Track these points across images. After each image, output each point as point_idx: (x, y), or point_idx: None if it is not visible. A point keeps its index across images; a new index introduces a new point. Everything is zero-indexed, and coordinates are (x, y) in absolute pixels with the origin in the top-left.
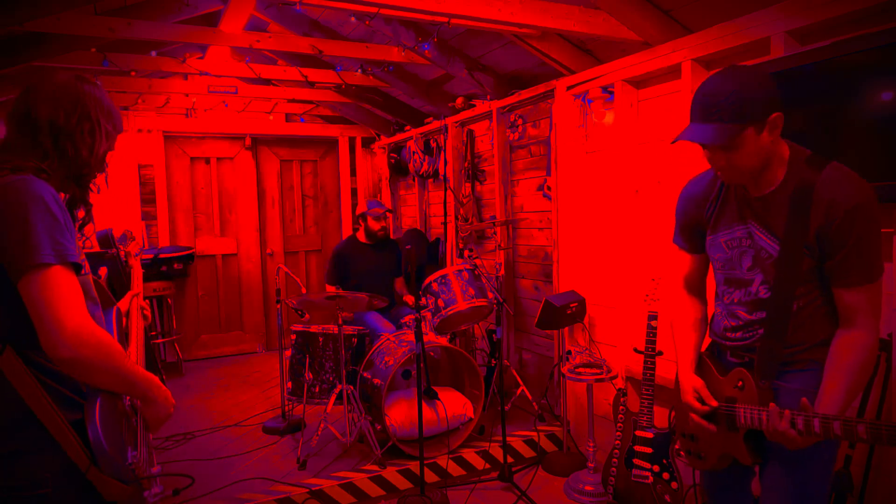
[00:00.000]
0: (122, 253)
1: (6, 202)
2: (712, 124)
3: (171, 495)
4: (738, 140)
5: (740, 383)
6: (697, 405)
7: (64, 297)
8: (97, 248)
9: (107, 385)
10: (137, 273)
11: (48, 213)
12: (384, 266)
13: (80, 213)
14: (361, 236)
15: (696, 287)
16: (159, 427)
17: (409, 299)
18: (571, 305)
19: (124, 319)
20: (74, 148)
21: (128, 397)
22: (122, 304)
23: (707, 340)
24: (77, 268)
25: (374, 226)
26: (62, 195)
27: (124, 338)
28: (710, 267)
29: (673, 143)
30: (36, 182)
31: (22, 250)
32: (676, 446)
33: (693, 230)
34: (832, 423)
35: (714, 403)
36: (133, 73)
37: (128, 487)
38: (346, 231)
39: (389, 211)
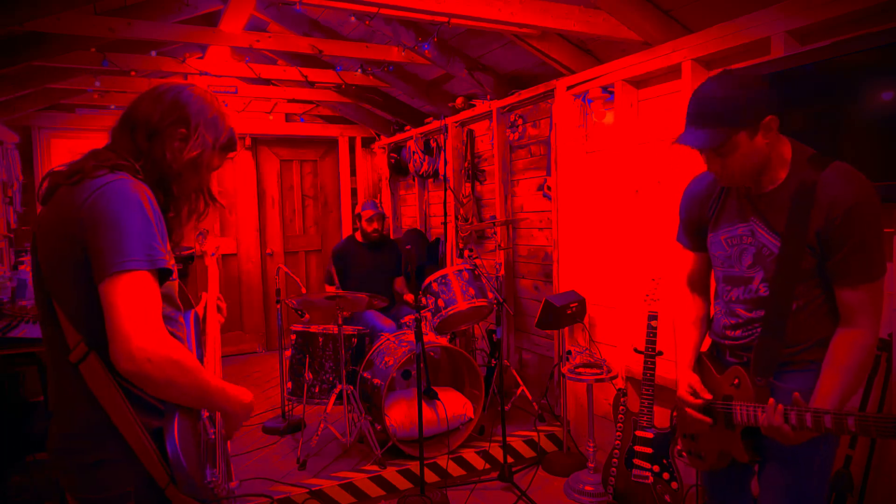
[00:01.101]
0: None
1: (103, 204)
2: (704, 129)
3: None
4: (729, 145)
5: (737, 381)
6: (690, 399)
7: (136, 308)
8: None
9: (175, 400)
10: (213, 274)
11: (143, 216)
12: (383, 266)
13: (170, 214)
14: (360, 236)
15: (699, 286)
16: (236, 430)
17: (410, 298)
18: (571, 305)
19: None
20: (163, 150)
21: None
22: (199, 309)
23: (708, 340)
24: (166, 273)
25: (367, 227)
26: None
27: (202, 340)
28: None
29: (672, 144)
30: (133, 184)
31: (112, 254)
32: (678, 447)
33: (696, 228)
34: (823, 416)
35: (707, 396)
36: (133, 73)
37: None
38: (346, 231)
39: (383, 214)
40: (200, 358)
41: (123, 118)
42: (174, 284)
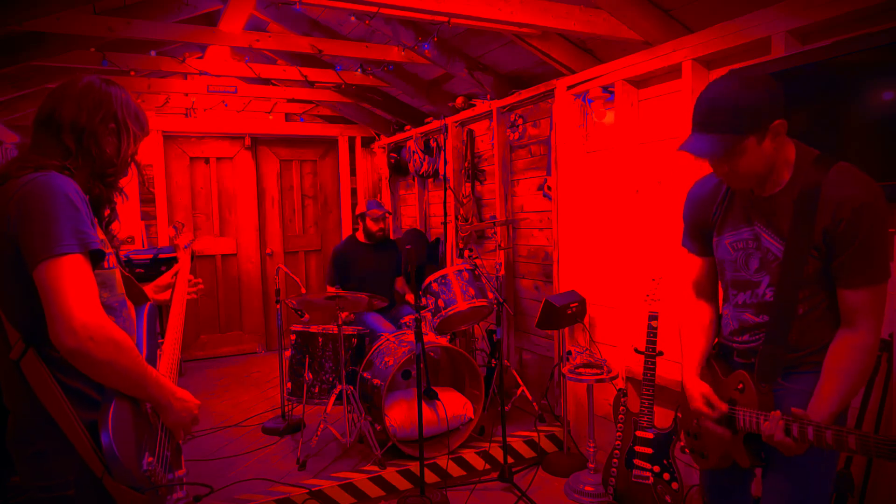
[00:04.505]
0: (121, 253)
1: (29, 197)
2: (711, 135)
3: (192, 502)
4: (738, 149)
5: (741, 386)
6: (708, 411)
7: (76, 287)
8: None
9: (113, 384)
10: (184, 267)
11: (70, 204)
12: (384, 266)
13: (106, 213)
14: (361, 236)
15: (705, 291)
16: (180, 433)
17: (411, 298)
18: (571, 305)
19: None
20: (98, 147)
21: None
22: (160, 294)
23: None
24: (99, 255)
25: (373, 227)
26: (87, 196)
27: (155, 337)
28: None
29: (677, 150)
30: (58, 177)
31: (42, 241)
32: (681, 444)
33: (701, 232)
34: (825, 432)
35: (724, 408)
36: (132, 73)
37: (143, 496)
38: (346, 231)
39: (388, 213)
40: (153, 354)
41: (43, 121)
42: (114, 273)
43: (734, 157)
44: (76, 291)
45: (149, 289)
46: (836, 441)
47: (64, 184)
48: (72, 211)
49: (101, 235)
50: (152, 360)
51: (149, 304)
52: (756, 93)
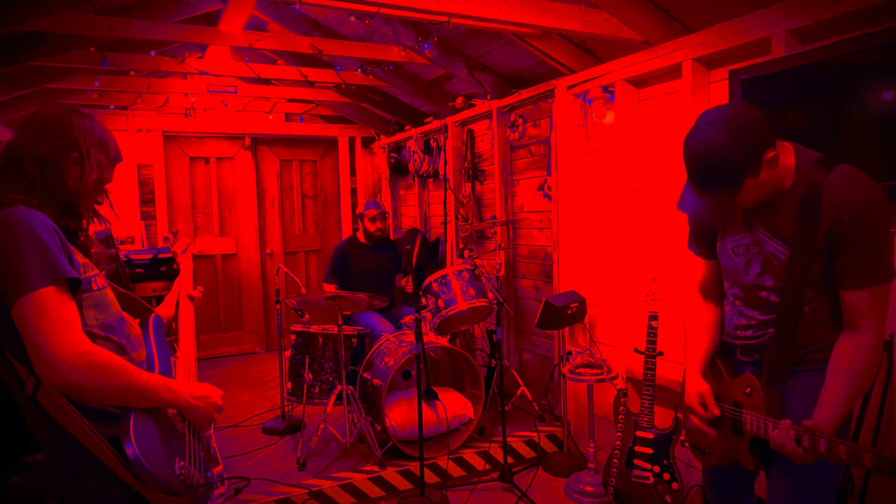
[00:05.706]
0: (121, 253)
1: None
2: (707, 195)
3: (232, 495)
4: (736, 192)
5: (748, 390)
6: (700, 410)
7: (50, 322)
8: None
9: (117, 402)
10: (186, 271)
11: (34, 237)
12: (383, 266)
13: (82, 239)
14: (361, 237)
15: (711, 293)
16: (208, 426)
17: (410, 287)
18: (572, 305)
19: (174, 324)
20: (61, 177)
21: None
22: (167, 310)
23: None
24: (75, 283)
25: (371, 227)
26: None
27: (166, 346)
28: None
29: (676, 208)
30: (22, 212)
31: (12, 281)
32: (682, 437)
33: (706, 236)
34: (838, 447)
35: (716, 412)
36: (132, 73)
37: (180, 499)
38: (346, 231)
39: (386, 213)
40: (166, 364)
41: (7, 153)
42: (105, 293)
43: (735, 197)
44: (50, 326)
45: (160, 309)
46: (850, 457)
47: (28, 217)
48: (36, 245)
49: (81, 259)
50: (167, 369)
51: (153, 315)
52: (742, 137)
